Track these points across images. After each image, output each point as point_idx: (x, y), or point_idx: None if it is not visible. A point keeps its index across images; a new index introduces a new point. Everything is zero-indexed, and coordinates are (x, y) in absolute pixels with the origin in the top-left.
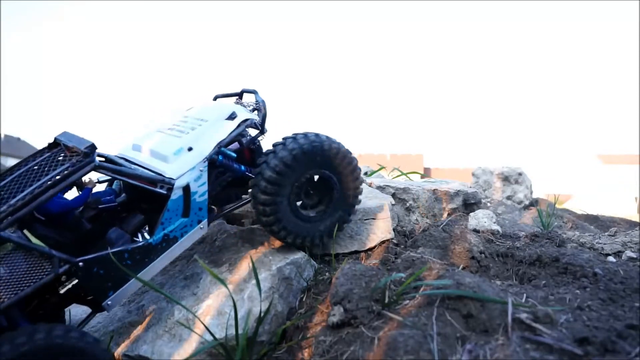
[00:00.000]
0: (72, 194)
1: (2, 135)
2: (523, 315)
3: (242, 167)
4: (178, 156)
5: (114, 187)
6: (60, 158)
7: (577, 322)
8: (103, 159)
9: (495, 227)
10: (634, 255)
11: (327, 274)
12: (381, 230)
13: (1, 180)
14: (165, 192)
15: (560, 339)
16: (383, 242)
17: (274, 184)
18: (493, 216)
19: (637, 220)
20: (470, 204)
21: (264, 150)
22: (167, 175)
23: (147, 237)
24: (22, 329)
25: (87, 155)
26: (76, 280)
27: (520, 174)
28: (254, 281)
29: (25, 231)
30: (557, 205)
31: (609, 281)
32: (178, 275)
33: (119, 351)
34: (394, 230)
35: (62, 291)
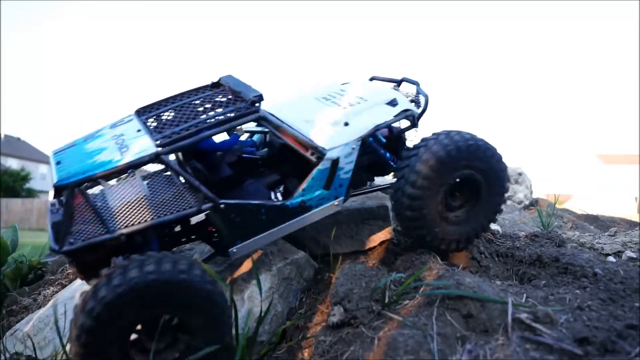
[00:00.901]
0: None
1: (2, 135)
2: (523, 315)
3: (388, 155)
4: (333, 128)
5: (254, 138)
6: (223, 100)
7: (577, 322)
8: None
9: (495, 227)
10: (634, 255)
11: (327, 274)
12: (381, 230)
13: (162, 106)
14: (314, 160)
15: (560, 339)
16: (383, 242)
17: (421, 188)
18: None
19: (637, 220)
20: None
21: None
22: (319, 144)
23: (280, 197)
24: (151, 256)
25: (253, 104)
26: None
27: (520, 174)
28: (254, 281)
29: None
30: (557, 205)
31: (609, 281)
32: None
33: None
34: (394, 230)
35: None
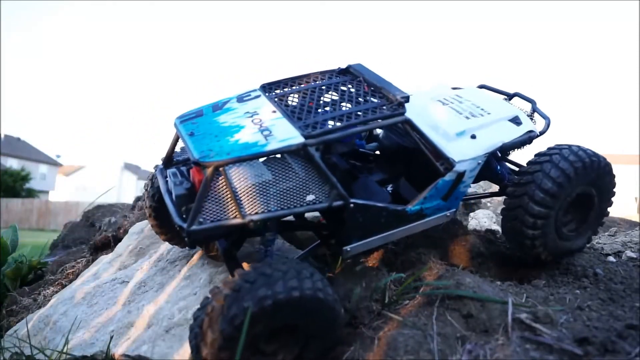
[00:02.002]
0: None
1: (2, 135)
2: (523, 315)
3: (498, 167)
4: (459, 138)
5: None
6: (359, 91)
7: (577, 322)
8: None
9: (495, 227)
10: (634, 255)
11: (327, 273)
12: None
13: (288, 85)
14: (442, 170)
15: (560, 339)
16: None
17: (553, 197)
18: (493, 216)
19: (637, 220)
20: (470, 204)
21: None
22: (450, 155)
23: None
24: (291, 268)
25: (400, 105)
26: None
27: None
28: None
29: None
30: None
31: (609, 281)
32: (178, 275)
33: (119, 351)
34: None
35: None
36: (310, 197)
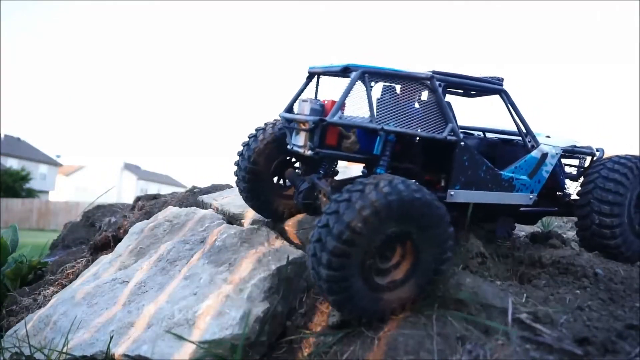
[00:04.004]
0: None
1: (2, 135)
2: (523, 315)
3: (563, 180)
4: (538, 136)
5: None
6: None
7: (577, 322)
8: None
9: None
10: None
11: None
12: None
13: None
14: (529, 146)
15: (560, 339)
16: None
17: (617, 194)
18: None
19: None
20: None
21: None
22: (535, 134)
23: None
24: (396, 177)
25: (500, 81)
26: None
27: None
28: (253, 281)
29: None
30: None
31: (609, 281)
32: (178, 275)
33: (119, 351)
34: None
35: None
36: (432, 125)
